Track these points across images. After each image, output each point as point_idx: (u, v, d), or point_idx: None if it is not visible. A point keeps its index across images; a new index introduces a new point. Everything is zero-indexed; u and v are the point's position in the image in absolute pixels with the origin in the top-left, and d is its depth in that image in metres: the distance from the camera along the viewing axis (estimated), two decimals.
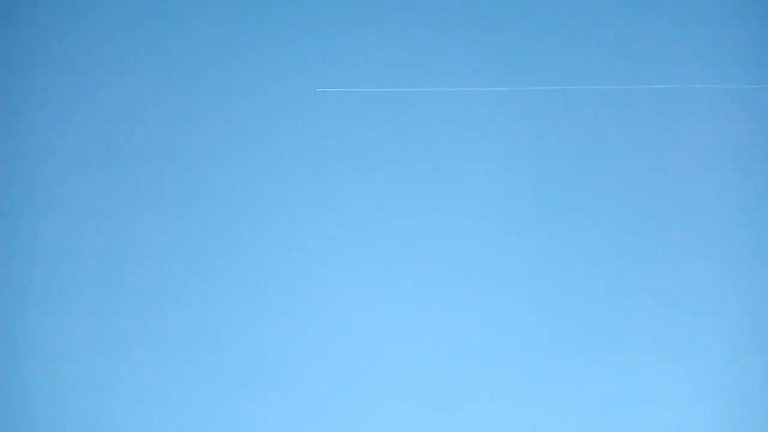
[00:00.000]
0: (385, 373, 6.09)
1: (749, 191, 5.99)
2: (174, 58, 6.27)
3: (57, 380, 6.12)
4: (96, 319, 6.16)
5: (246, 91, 6.25)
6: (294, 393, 6.11)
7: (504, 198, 6.11)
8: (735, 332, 5.90)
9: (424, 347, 6.09)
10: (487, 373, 6.04)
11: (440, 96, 6.13)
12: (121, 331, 6.15)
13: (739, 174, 6.00)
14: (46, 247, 6.19)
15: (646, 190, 6.05)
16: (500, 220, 6.10)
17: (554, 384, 6.00)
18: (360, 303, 6.12)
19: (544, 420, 5.99)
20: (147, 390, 6.11)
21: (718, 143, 6.02)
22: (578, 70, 6.10)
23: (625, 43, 6.10)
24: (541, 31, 6.14)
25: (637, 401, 5.94)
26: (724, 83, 5.97)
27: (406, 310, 6.11)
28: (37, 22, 6.27)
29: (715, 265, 5.95)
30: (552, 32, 6.13)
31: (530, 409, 6.00)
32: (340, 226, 6.17)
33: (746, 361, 5.89)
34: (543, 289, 6.05)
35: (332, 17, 6.23)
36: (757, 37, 6.00)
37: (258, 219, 6.20)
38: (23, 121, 6.25)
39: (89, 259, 6.19)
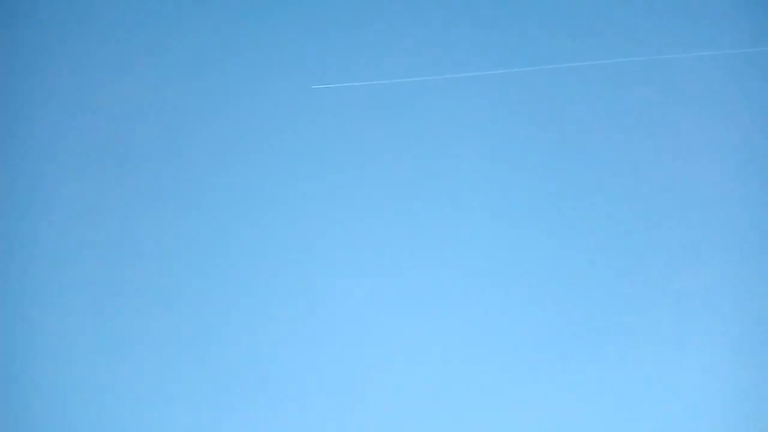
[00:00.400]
0: (388, 374, 6.09)
1: (753, 183, 5.95)
2: (172, 58, 6.28)
3: (57, 380, 6.13)
4: (96, 320, 6.17)
5: (244, 91, 6.26)
6: (296, 393, 6.12)
7: (503, 192, 6.11)
8: (740, 332, 5.90)
9: (426, 347, 6.09)
10: (490, 373, 6.04)
11: (434, 85, 6.12)
12: (122, 332, 6.17)
13: (743, 162, 5.97)
14: (46, 247, 6.20)
15: (650, 183, 6.03)
16: (501, 214, 6.10)
17: (557, 384, 6.00)
18: (360, 302, 6.13)
19: (545, 420, 5.99)
20: (147, 390, 6.12)
21: (719, 116, 5.96)
22: (567, 48, 6.07)
23: (615, 17, 6.07)
24: (532, 13, 6.11)
25: (641, 401, 5.94)
26: (723, 49, 5.90)
27: (408, 309, 6.12)
28: (37, 23, 6.28)
29: (721, 260, 5.93)
30: (539, 12, 6.10)
31: (533, 409, 6.00)
32: (340, 224, 6.18)
33: (752, 361, 5.88)
34: (545, 286, 6.05)
35: (323, 14, 6.23)
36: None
37: (258, 218, 6.21)
38: (23, 122, 6.26)
39: (89, 259, 6.20)
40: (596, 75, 6.05)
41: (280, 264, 6.17)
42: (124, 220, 6.22)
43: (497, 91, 6.12)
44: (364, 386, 6.09)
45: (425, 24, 6.18)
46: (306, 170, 6.21)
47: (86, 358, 6.14)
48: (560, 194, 6.08)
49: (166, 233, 6.21)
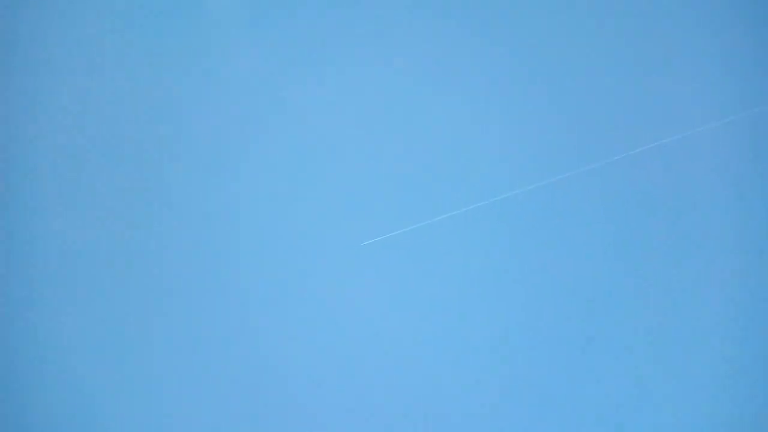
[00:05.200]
0: (388, 374, 6.10)
1: (753, 187, 5.97)
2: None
3: (57, 380, 6.12)
4: (96, 320, 6.16)
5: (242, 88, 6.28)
6: (297, 393, 6.12)
7: (505, 196, 6.11)
8: (740, 333, 5.90)
9: (426, 349, 6.10)
10: (489, 374, 6.05)
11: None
12: (123, 332, 6.16)
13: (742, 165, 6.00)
14: (47, 247, 6.19)
15: (654, 183, 6.04)
16: (501, 218, 6.10)
17: (556, 385, 6.00)
18: (362, 304, 6.13)
19: (544, 421, 5.99)
20: (147, 389, 6.12)
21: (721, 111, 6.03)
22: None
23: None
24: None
25: (641, 403, 5.94)
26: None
27: (408, 312, 6.12)
28: (36, 22, 6.26)
29: (720, 263, 5.94)
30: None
31: (532, 410, 6.00)
32: (342, 227, 6.18)
33: (750, 362, 5.89)
34: (545, 290, 6.06)
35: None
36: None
37: (261, 221, 6.22)
38: (24, 122, 6.25)
39: (89, 259, 6.19)
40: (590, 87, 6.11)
41: (280, 266, 6.18)
42: (125, 221, 6.22)
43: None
44: (365, 387, 6.10)
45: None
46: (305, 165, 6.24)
47: (85, 358, 6.14)
48: (563, 194, 6.09)
49: (166, 234, 6.21)
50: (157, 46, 6.27)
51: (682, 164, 6.05)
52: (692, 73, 6.07)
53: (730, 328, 5.93)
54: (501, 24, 6.10)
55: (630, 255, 6.05)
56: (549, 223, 6.09)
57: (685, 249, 6.03)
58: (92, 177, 6.24)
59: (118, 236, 6.21)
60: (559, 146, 6.10)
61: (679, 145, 6.04)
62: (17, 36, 6.25)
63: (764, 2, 6.02)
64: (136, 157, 6.24)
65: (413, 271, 6.15)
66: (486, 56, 6.13)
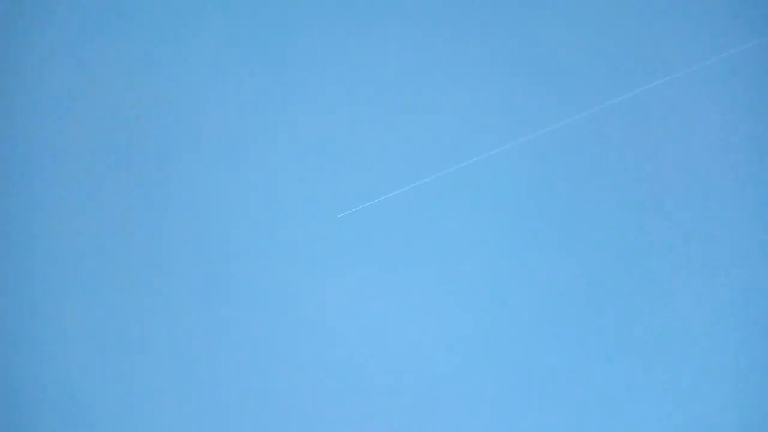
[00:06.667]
0: (387, 374, 6.09)
1: (751, 190, 5.96)
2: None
3: (57, 380, 6.13)
4: (95, 320, 6.17)
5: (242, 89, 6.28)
6: (296, 393, 6.11)
7: (503, 197, 6.10)
8: (739, 333, 5.89)
9: (424, 349, 6.09)
10: (486, 373, 6.04)
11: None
12: (122, 331, 6.17)
13: (742, 170, 5.98)
14: (46, 247, 6.20)
15: (648, 188, 6.03)
16: (500, 218, 6.09)
17: (553, 385, 5.99)
18: (362, 304, 6.13)
19: (541, 421, 5.98)
20: (146, 389, 6.12)
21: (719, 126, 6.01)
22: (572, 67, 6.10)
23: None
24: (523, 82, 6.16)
25: (639, 403, 5.93)
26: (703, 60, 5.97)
27: (407, 312, 6.12)
28: (38, 21, 6.28)
29: (718, 264, 5.93)
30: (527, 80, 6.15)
31: (529, 410, 5.99)
32: (342, 227, 6.18)
33: (750, 363, 5.87)
34: (543, 290, 6.04)
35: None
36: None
37: (261, 220, 6.21)
38: (24, 122, 6.26)
39: (88, 260, 6.20)
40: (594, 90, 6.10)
41: (279, 265, 6.18)
42: (125, 221, 6.23)
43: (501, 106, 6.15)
44: (363, 387, 6.09)
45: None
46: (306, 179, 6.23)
47: (84, 358, 6.14)
48: (561, 193, 6.08)
49: (166, 234, 6.22)
50: (158, 48, 6.28)
51: (675, 106, 6.03)
52: (677, 11, 6.03)
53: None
54: None
55: (628, 207, 6.03)
56: (536, 179, 6.08)
57: (683, 190, 6.01)
58: (92, 177, 6.25)
59: (118, 236, 6.22)
60: (543, 98, 6.09)
61: (672, 87, 6.01)
62: (18, 36, 6.27)
63: None
64: (136, 157, 6.25)
65: (392, 239, 6.14)
66: (468, 14, 6.12)
